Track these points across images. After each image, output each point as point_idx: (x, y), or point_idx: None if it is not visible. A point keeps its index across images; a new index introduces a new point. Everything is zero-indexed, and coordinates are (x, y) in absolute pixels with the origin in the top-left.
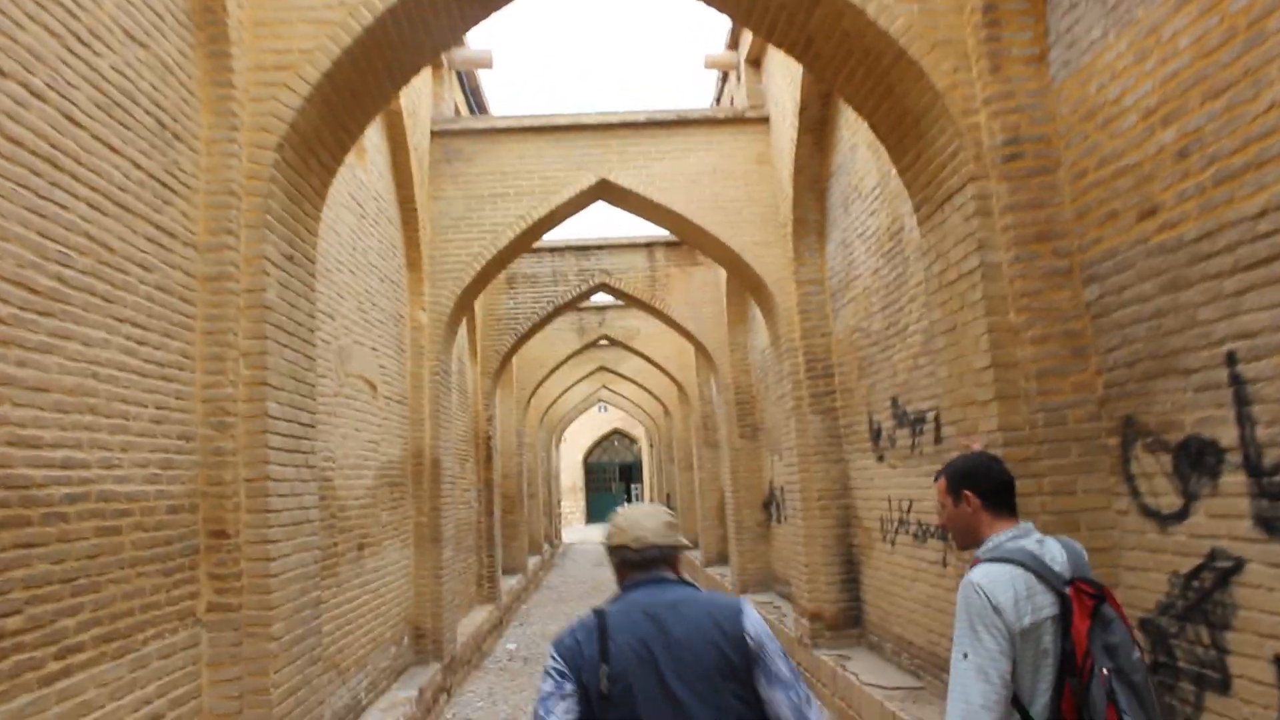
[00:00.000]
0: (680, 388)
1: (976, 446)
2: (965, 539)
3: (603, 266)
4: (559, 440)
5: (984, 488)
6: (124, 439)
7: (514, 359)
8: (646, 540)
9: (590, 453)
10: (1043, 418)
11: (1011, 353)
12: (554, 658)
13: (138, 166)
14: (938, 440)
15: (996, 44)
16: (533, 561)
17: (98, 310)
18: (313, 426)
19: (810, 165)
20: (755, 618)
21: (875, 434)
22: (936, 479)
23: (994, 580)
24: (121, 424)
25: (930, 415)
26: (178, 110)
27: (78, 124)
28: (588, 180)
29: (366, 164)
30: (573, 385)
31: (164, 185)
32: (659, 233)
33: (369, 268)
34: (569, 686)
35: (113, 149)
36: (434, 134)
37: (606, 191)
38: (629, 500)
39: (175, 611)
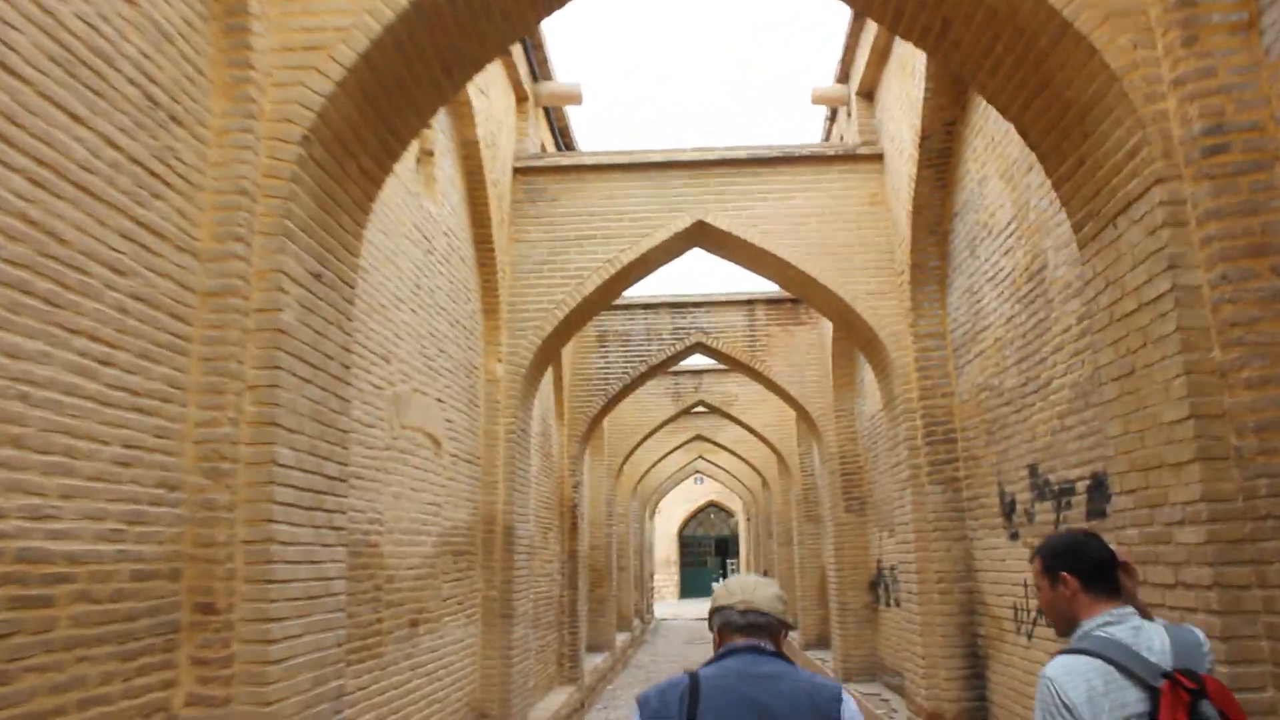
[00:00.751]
0: (780, 458)
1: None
2: (1064, 625)
3: (699, 325)
4: (653, 511)
5: (1084, 567)
6: (65, 483)
7: (604, 424)
8: (754, 605)
9: (685, 525)
10: (1264, 485)
11: (1217, 400)
12: (639, 714)
13: (111, 144)
14: (1092, 514)
15: (1190, 10)
16: (621, 638)
17: (33, 315)
18: (342, 481)
19: (931, 204)
20: (854, 709)
21: (1007, 508)
22: (1032, 558)
23: (1068, 674)
24: (63, 463)
25: (1082, 485)
26: (177, 88)
27: (18, 76)
28: (683, 222)
29: (436, 195)
30: (667, 454)
31: (151, 174)
32: (759, 288)
33: (435, 309)
34: None
35: (74, 117)
36: (516, 171)
37: (703, 235)
38: (724, 575)
39: (137, 707)
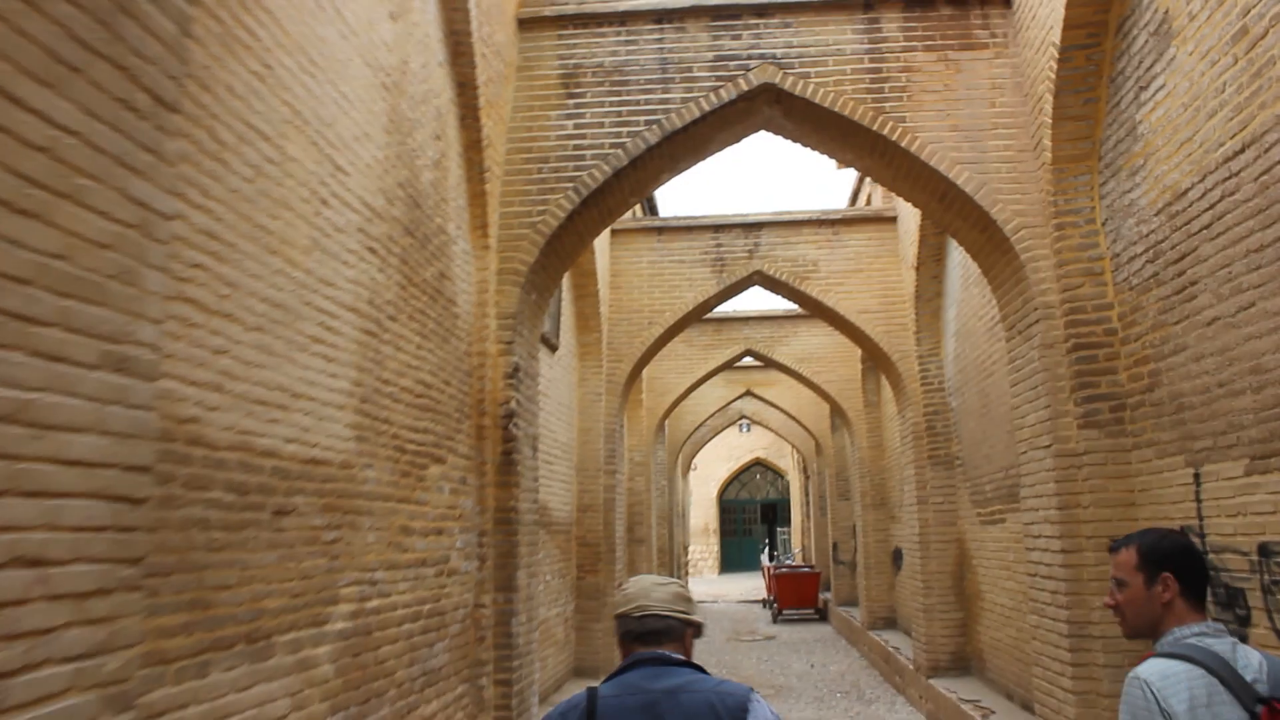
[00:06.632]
0: (883, 360)
1: None
2: (1140, 628)
3: (765, 49)
4: (687, 468)
5: (1190, 573)
6: None
7: (598, 294)
8: (649, 609)
9: (726, 487)
10: None
11: None
12: None
13: None
14: None
15: None
16: None
17: None
18: None
19: None
20: (765, 712)
21: None
22: (1117, 548)
23: (1168, 679)
24: None
25: None
26: None
27: None
28: None
29: None
30: (704, 378)
31: None
32: None
33: None
34: None
35: None
36: None
37: None
38: (770, 545)
39: None
